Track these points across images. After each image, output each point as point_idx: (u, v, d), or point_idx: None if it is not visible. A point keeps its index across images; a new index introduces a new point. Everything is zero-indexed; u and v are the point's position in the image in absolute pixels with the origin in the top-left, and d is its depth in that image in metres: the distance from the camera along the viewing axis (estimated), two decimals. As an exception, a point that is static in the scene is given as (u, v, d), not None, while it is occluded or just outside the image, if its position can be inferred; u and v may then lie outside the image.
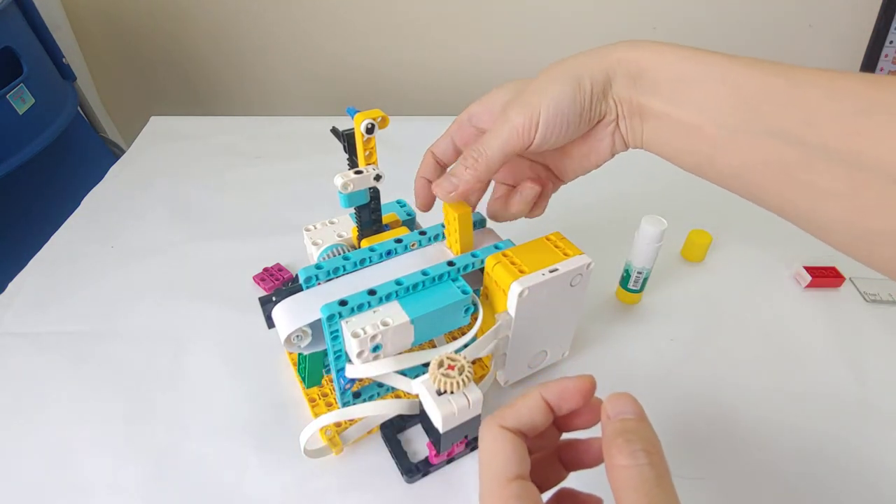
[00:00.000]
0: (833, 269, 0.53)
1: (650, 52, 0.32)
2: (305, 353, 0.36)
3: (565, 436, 0.28)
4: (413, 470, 0.37)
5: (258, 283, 0.53)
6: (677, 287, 0.53)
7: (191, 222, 0.63)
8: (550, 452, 0.28)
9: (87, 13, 0.99)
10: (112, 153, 0.96)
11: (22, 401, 0.44)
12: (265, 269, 0.54)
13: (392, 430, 0.39)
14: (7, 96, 0.71)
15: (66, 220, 0.63)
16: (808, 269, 0.53)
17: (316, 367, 0.39)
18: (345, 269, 0.37)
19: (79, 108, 0.90)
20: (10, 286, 0.55)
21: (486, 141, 0.35)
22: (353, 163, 0.37)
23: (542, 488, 0.25)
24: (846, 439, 0.40)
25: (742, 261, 0.56)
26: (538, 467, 0.25)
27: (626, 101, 0.34)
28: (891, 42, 0.69)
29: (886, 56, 0.70)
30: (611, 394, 0.25)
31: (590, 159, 0.38)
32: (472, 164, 0.35)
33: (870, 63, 0.70)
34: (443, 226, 0.41)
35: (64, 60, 0.87)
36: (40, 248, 0.59)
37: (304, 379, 0.40)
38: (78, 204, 0.66)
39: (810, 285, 0.52)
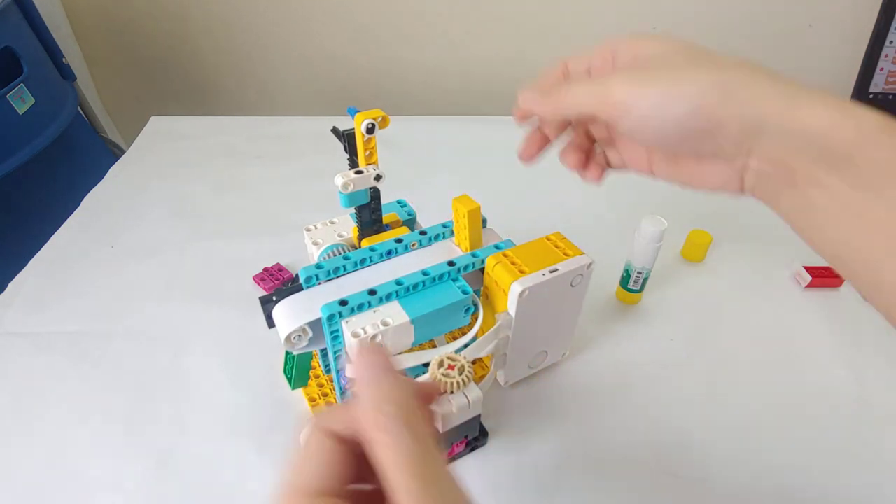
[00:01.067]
0: (833, 269, 0.53)
1: (840, 112, 0.24)
2: (295, 352, 0.36)
3: None
4: (413, 470, 0.37)
5: (258, 283, 0.53)
6: (677, 287, 0.53)
7: (191, 222, 0.63)
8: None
9: (87, 13, 0.99)
10: (112, 153, 0.96)
11: (22, 401, 0.43)
12: (265, 269, 0.54)
13: (392, 430, 0.39)
14: (7, 96, 0.71)
15: (66, 220, 0.63)
16: (808, 269, 0.53)
17: (304, 366, 0.39)
18: (345, 269, 0.37)
19: (79, 108, 0.90)
20: (10, 286, 0.55)
21: (577, 88, 0.29)
22: (353, 163, 0.37)
23: None
24: (845, 438, 0.40)
25: (742, 261, 0.56)
26: None
27: (775, 161, 0.26)
28: (891, 42, 0.69)
29: (886, 56, 0.70)
30: (359, 349, 0.22)
31: (693, 180, 0.31)
32: (552, 97, 0.30)
33: (870, 63, 0.70)
34: (443, 226, 0.41)
35: (64, 60, 0.87)
36: (40, 248, 0.59)
37: (289, 380, 0.40)
38: (78, 204, 0.66)
39: (810, 285, 0.52)
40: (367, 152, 0.36)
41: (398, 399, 0.19)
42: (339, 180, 0.36)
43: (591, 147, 0.35)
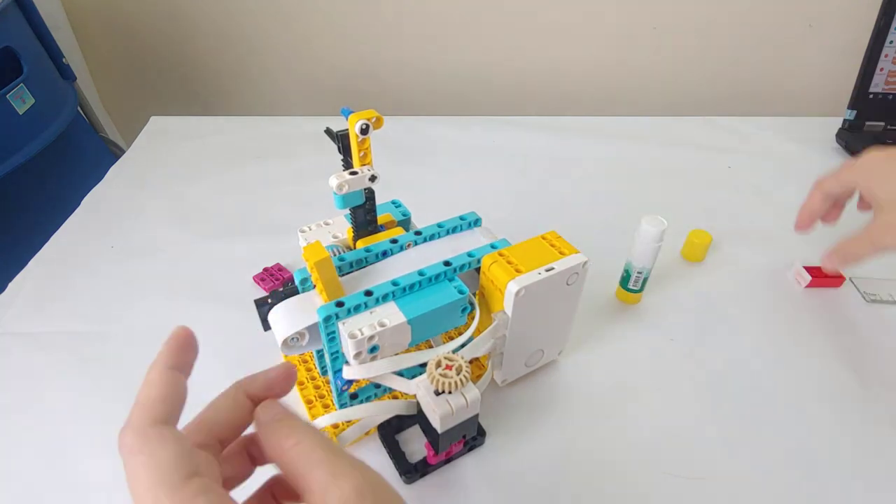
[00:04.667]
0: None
1: None
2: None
3: None
4: (411, 471, 0.37)
5: (258, 283, 0.53)
6: (677, 287, 0.53)
7: (191, 222, 0.63)
8: (237, 447, 0.26)
9: (87, 13, 0.99)
10: (112, 153, 0.96)
11: (22, 401, 0.44)
12: (265, 269, 0.54)
13: (390, 431, 0.39)
14: (7, 96, 0.71)
15: (66, 220, 0.63)
16: (807, 269, 0.52)
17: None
18: (340, 271, 0.37)
19: (79, 108, 0.90)
20: (10, 286, 0.55)
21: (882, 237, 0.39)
22: (347, 163, 0.37)
23: (227, 486, 0.24)
24: (846, 439, 0.40)
25: (742, 261, 0.56)
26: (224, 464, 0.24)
27: None
28: (891, 42, 0.69)
29: (886, 56, 0.70)
30: (262, 403, 0.25)
31: None
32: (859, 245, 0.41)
33: (870, 63, 0.70)
34: (438, 226, 0.41)
35: (64, 60, 0.87)
36: (40, 248, 0.59)
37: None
38: (78, 204, 0.66)
39: (810, 285, 0.52)
40: (362, 153, 0.36)
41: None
42: (333, 181, 0.35)
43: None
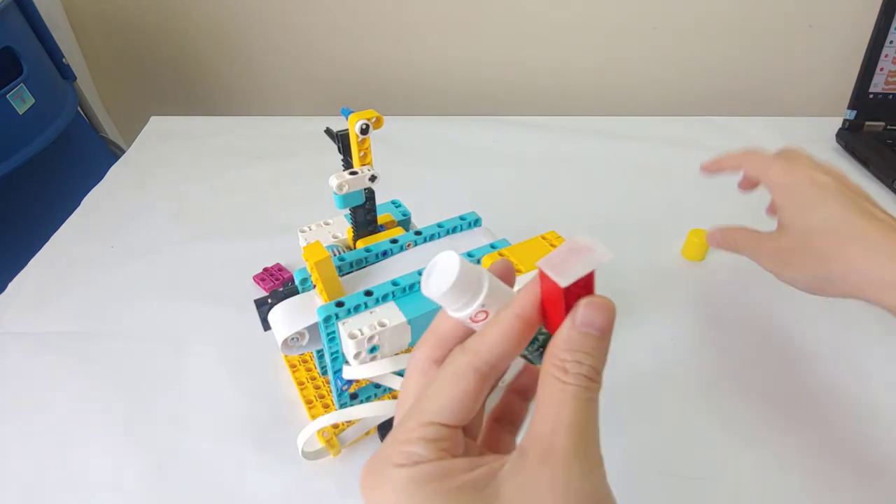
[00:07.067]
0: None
1: None
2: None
3: None
4: (411, 470, 0.37)
5: (258, 283, 0.53)
6: (677, 287, 0.53)
7: (191, 222, 0.63)
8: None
9: (87, 13, 0.99)
10: (112, 153, 0.96)
11: (22, 401, 0.44)
12: (265, 269, 0.54)
13: (390, 431, 0.39)
14: (7, 96, 0.71)
15: (66, 220, 0.64)
16: None
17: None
18: (340, 271, 0.37)
19: (79, 108, 0.90)
20: (10, 286, 0.55)
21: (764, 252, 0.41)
22: (347, 163, 0.37)
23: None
24: (846, 439, 0.40)
25: (742, 260, 0.56)
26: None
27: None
28: (891, 42, 0.69)
29: (886, 56, 0.70)
30: (590, 298, 0.21)
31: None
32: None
33: (870, 63, 0.70)
34: (438, 226, 0.41)
35: (64, 60, 0.87)
36: (40, 248, 0.59)
37: None
38: (78, 204, 0.66)
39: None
40: (362, 153, 0.36)
41: (599, 363, 0.22)
42: (333, 181, 0.35)
43: None
